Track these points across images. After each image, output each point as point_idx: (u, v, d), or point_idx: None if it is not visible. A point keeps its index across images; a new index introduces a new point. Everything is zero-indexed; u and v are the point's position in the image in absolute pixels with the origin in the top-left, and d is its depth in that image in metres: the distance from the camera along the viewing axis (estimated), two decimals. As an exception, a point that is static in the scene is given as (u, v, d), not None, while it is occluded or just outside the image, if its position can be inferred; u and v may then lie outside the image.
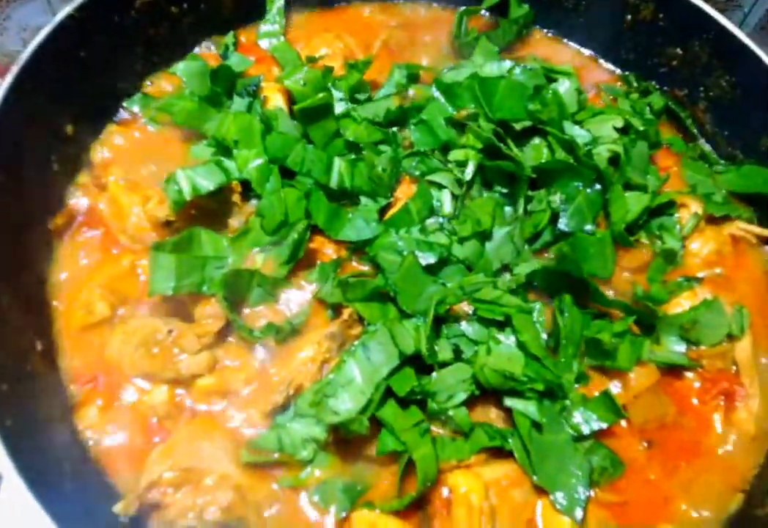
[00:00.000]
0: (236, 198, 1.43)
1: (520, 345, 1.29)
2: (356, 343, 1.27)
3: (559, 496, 1.19)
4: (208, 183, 1.38)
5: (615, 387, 1.33)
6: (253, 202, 1.46)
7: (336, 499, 1.20)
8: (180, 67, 1.60)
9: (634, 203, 1.46)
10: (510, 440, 1.23)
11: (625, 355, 1.32)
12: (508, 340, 1.31)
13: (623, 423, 1.32)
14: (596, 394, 1.30)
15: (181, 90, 1.60)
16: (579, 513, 1.19)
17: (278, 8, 1.79)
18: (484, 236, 1.38)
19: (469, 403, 1.26)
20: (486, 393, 1.26)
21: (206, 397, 1.29)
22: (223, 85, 1.58)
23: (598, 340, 1.29)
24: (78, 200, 1.50)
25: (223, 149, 1.45)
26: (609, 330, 1.32)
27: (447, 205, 1.44)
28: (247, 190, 1.45)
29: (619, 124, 1.59)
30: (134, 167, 1.52)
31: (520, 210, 1.39)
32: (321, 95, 1.46)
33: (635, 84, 1.83)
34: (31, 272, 1.39)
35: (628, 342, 1.33)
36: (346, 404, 1.19)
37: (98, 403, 1.29)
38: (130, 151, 1.56)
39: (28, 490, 1.04)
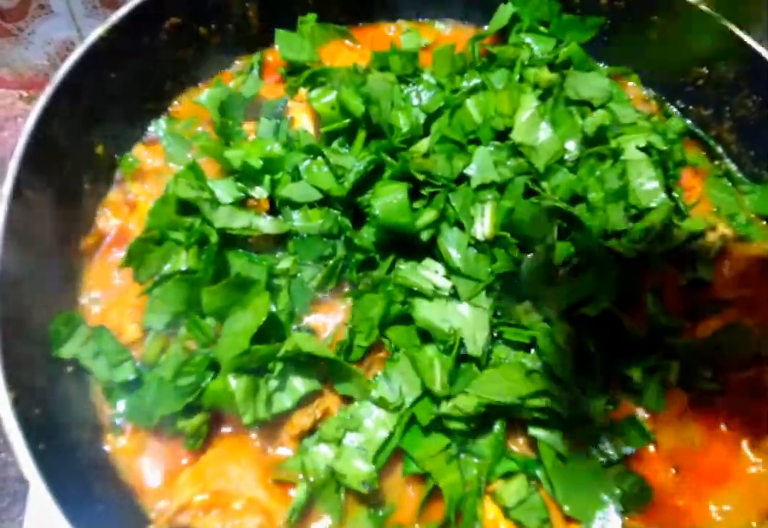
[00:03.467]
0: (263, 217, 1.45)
1: (546, 368, 1.29)
2: (378, 373, 1.28)
3: (592, 525, 1.19)
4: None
5: (643, 413, 1.34)
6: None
7: (362, 526, 1.21)
8: (204, 96, 1.62)
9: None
10: (537, 470, 1.24)
11: (653, 396, 1.32)
12: (534, 364, 1.31)
13: (651, 448, 1.32)
14: (623, 418, 1.30)
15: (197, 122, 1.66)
16: (614, 541, 1.20)
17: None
18: (516, 263, 1.39)
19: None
20: (513, 420, 1.26)
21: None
22: (239, 114, 1.62)
23: (628, 378, 1.30)
24: (108, 220, 1.52)
25: (250, 179, 1.46)
26: (639, 366, 1.32)
27: (486, 228, 1.44)
28: (273, 207, 1.48)
29: (642, 143, 1.59)
30: (163, 187, 1.53)
31: (555, 237, 1.40)
32: (348, 120, 1.47)
33: (655, 104, 1.84)
34: (62, 293, 1.41)
35: (657, 382, 1.32)
36: (367, 435, 1.22)
37: (128, 425, 1.30)
38: (159, 170, 1.58)
39: (61, 513, 1.04)
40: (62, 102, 1.41)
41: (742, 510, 1.30)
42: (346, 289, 1.44)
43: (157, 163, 1.59)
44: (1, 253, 1.22)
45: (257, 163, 1.44)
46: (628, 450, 1.26)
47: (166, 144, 1.61)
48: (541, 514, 1.19)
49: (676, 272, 1.45)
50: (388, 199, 1.37)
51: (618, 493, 1.22)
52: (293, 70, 1.73)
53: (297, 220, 1.46)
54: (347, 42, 1.87)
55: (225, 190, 1.42)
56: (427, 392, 1.25)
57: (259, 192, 1.46)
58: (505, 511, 1.20)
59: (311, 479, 1.21)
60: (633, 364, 1.32)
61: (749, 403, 1.38)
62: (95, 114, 1.51)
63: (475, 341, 1.29)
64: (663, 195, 1.49)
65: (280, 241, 1.47)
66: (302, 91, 1.63)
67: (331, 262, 1.42)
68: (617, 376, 1.34)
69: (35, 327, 1.28)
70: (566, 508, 1.20)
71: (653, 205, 1.48)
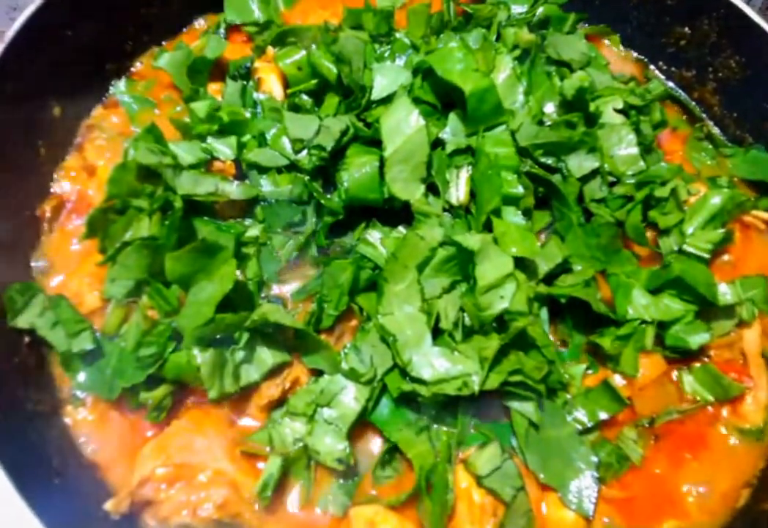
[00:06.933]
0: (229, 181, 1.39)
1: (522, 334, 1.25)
2: (348, 345, 1.24)
3: (568, 493, 1.17)
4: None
5: (621, 379, 1.31)
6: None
7: (334, 501, 1.18)
8: (163, 60, 1.55)
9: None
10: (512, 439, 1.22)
11: (629, 361, 1.29)
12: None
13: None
14: (598, 384, 1.27)
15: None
16: (590, 508, 1.17)
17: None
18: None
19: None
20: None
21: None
22: (203, 76, 1.55)
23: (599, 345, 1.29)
24: (66, 186, 1.45)
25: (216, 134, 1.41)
26: (611, 334, 1.29)
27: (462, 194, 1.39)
28: (240, 171, 1.43)
29: (619, 105, 1.54)
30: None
31: (532, 204, 1.36)
32: (315, 81, 1.41)
33: (636, 65, 1.80)
34: (18, 262, 1.35)
35: (631, 347, 1.29)
36: (340, 410, 1.19)
37: (89, 397, 1.25)
38: (119, 134, 1.51)
39: (15, 489, 1.00)
40: (15, 62, 1.34)
41: (719, 477, 1.28)
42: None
43: (116, 127, 1.52)
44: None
45: (225, 116, 1.39)
46: (603, 416, 1.24)
47: (127, 105, 1.54)
48: (515, 482, 1.16)
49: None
50: (357, 173, 1.33)
51: (595, 460, 1.20)
52: (261, 29, 1.66)
53: (265, 185, 1.41)
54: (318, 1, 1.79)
55: (188, 152, 1.36)
56: (397, 364, 1.21)
57: (226, 154, 1.40)
58: (479, 480, 1.17)
59: (281, 453, 1.18)
60: (605, 333, 1.30)
61: (728, 370, 1.35)
62: (51, 75, 1.44)
63: (447, 315, 1.24)
64: (641, 163, 1.45)
65: (247, 208, 1.42)
66: (270, 50, 1.56)
67: (302, 231, 1.37)
68: (593, 343, 1.31)
69: (-11, 297, 1.23)
70: (541, 475, 1.18)
71: (630, 172, 1.44)
